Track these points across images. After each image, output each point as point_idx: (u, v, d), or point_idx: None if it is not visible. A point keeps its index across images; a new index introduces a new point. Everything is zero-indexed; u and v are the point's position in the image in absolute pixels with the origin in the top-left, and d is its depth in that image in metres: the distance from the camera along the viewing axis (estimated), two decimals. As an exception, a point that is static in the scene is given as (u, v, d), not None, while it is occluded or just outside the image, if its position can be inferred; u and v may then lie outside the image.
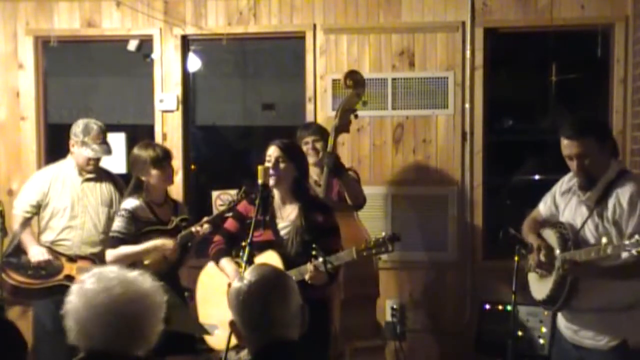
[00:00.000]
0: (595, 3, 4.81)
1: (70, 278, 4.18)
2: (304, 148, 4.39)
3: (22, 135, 5.25)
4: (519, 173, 5.64)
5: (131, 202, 3.91)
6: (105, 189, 4.44)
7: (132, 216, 3.88)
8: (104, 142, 4.35)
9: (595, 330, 3.14)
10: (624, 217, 3.03)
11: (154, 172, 3.92)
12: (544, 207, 3.44)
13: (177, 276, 4.09)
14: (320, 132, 4.34)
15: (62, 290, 3.97)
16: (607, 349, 3.11)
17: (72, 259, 4.31)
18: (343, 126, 4.23)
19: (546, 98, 5.58)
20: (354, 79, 4.28)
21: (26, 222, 4.34)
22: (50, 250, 4.31)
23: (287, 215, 3.55)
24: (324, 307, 3.60)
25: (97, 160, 4.39)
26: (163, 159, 3.94)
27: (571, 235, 3.15)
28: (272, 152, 3.52)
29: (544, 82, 5.43)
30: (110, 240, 3.91)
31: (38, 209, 4.38)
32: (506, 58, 5.45)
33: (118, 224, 3.88)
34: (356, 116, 4.32)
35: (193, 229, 3.92)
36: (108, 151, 4.38)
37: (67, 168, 4.42)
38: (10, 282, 4.21)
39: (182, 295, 4.03)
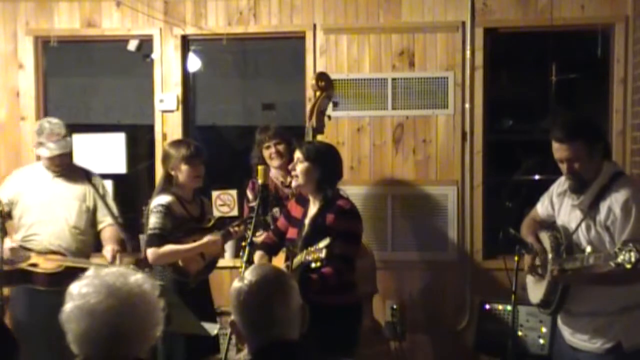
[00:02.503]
0: (595, 3, 4.81)
1: (35, 265, 4.14)
2: (266, 153, 4.40)
3: (22, 135, 5.24)
4: (519, 173, 5.63)
5: (165, 198, 3.87)
6: (77, 184, 4.34)
7: (168, 211, 3.84)
8: (61, 139, 4.23)
9: (590, 333, 3.15)
10: (617, 224, 3.02)
11: (184, 167, 3.90)
12: (541, 208, 3.44)
13: (208, 277, 4.08)
14: (280, 135, 4.36)
15: (26, 278, 4.08)
16: (601, 352, 3.12)
17: (40, 252, 4.21)
18: (320, 128, 4.23)
19: (546, 98, 5.57)
20: (326, 79, 4.29)
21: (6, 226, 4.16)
22: (20, 247, 4.19)
23: (312, 214, 3.60)
24: (349, 312, 3.60)
25: (59, 157, 4.25)
26: (195, 156, 3.93)
27: (564, 239, 3.15)
28: (295, 153, 3.61)
29: (544, 82, 5.42)
30: (151, 238, 3.83)
31: (11, 207, 4.28)
32: (506, 58, 5.44)
33: (155, 220, 3.82)
34: (329, 117, 4.33)
35: (230, 228, 3.94)
36: (64, 147, 4.24)
37: (39, 167, 4.38)
38: None
39: (209, 295, 4.07)
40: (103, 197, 4.38)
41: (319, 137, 4.17)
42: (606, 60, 4.86)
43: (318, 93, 4.26)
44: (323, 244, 3.24)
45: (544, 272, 3.19)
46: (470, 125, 4.91)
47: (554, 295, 3.15)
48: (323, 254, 3.21)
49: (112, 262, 4.07)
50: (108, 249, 4.21)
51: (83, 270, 4.29)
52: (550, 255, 3.16)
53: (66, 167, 4.34)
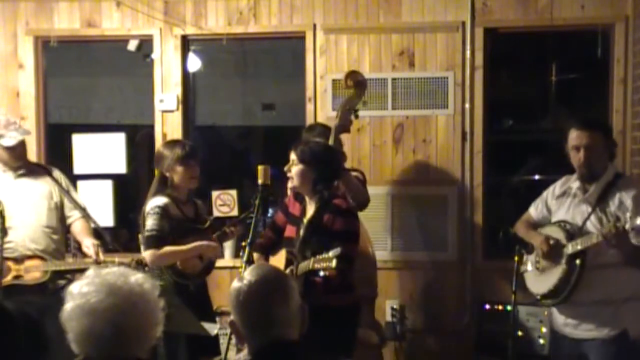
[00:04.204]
0: (595, 3, 4.81)
1: (19, 277, 4.00)
2: None
3: (22, 135, 5.24)
4: (519, 173, 5.64)
5: (160, 200, 3.80)
6: (41, 182, 4.18)
7: (165, 213, 3.77)
8: (19, 127, 4.12)
9: (596, 322, 3.22)
10: (629, 213, 3.10)
11: (179, 169, 3.82)
12: (535, 211, 3.54)
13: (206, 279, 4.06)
14: (325, 134, 4.33)
15: (12, 290, 3.89)
16: (608, 339, 3.19)
17: (17, 260, 4.03)
18: (344, 126, 4.23)
19: (546, 98, 5.57)
20: (355, 79, 4.28)
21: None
22: None
23: (309, 216, 3.60)
24: (348, 313, 3.60)
25: (22, 147, 4.10)
26: (190, 156, 3.84)
27: (576, 229, 3.24)
28: (290, 155, 3.61)
29: (544, 82, 5.42)
30: (150, 240, 3.75)
31: None
32: (506, 58, 5.45)
33: (152, 222, 3.74)
34: (357, 116, 4.32)
35: (227, 229, 3.93)
36: (25, 132, 4.15)
37: None
38: None
39: (208, 296, 4.04)
40: (67, 191, 4.20)
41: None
42: (606, 60, 4.86)
43: (348, 92, 4.27)
44: (333, 253, 3.22)
45: (558, 259, 3.22)
46: (470, 125, 4.91)
47: (567, 283, 3.20)
48: (333, 264, 3.21)
49: (97, 257, 3.95)
50: (88, 244, 4.05)
51: (68, 272, 4.23)
52: (565, 242, 3.22)
53: (26, 162, 4.16)
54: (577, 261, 3.16)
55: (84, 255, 4.16)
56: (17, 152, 4.10)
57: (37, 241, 4.10)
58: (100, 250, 4.01)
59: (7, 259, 3.98)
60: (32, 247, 4.08)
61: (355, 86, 4.26)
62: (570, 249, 3.17)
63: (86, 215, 4.18)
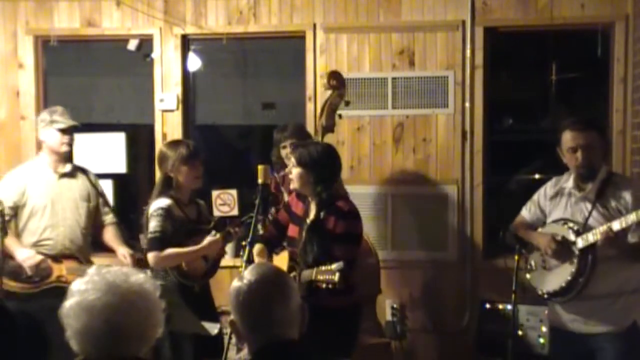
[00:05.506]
0: (595, 2, 4.80)
1: (62, 278, 4.08)
2: (283, 152, 4.38)
3: (22, 135, 5.24)
4: (519, 173, 5.64)
5: (164, 201, 3.80)
6: (81, 184, 4.31)
7: (168, 215, 3.77)
8: (69, 117, 4.24)
9: (605, 316, 3.23)
10: (630, 207, 3.16)
11: (183, 169, 3.83)
12: (528, 214, 3.57)
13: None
14: (298, 135, 4.32)
15: (56, 292, 3.94)
16: (618, 332, 3.22)
17: (56, 259, 4.15)
18: (330, 127, 4.22)
19: (546, 98, 5.58)
20: (338, 79, 4.27)
21: (6, 226, 3.99)
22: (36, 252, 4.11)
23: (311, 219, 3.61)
24: (349, 314, 3.60)
25: (72, 135, 4.22)
26: (194, 156, 3.86)
27: (580, 226, 3.26)
28: (291, 157, 3.64)
29: (544, 82, 5.43)
30: (153, 242, 3.75)
31: (16, 210, 4.15)
32: (506, 57, 5.45)
33: (156, 223, 3.74)
34: (340, 116, 4.31)
35: (230, 229, 3.93)
36: (75, 120, 4.27)
37: (40, 166, 4.26)
38: (5, 288, 3.97)
39: (211, 296, 4.04)
40: (102, 195, 4.37)
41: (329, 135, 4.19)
42: (606, 60, 4.85)
43: (330, 92, 4.25)
44: (336, 267, 3.24)
45: (569, 256, 3.24)
46: (471, 124, 4.91)
47: (581, 278, 3.21)
48: (336, 278, 3.23)
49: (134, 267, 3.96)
50: (125, 254, 4.17)
51: None
52: (572, 237, 3.24)
53: (70, 158, 4.30)
54: (590, 256, 3.19)
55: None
56: (68, 136, 4.22)
57: (75, 241, 4.24)
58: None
59: (46, 255, 4.14)
60: (70, 247, 4.21)
61: (338, 86, 4.25)
62: (580, 243, 3.20)
63: (118, 221, 4.31)
